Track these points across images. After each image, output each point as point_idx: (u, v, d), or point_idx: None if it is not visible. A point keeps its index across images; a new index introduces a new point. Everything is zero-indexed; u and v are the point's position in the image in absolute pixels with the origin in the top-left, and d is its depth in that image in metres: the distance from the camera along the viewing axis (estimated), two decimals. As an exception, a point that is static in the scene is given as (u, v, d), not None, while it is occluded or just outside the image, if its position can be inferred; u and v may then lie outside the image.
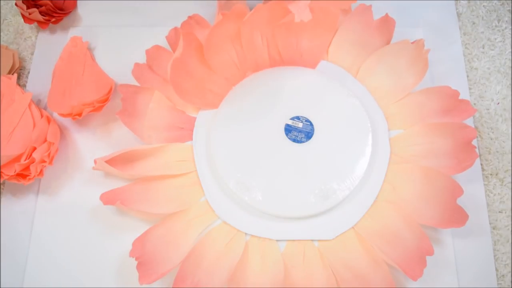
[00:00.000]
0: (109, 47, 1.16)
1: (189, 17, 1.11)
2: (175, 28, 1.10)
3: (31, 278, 0.96)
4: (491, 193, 1.01)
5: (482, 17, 1.18)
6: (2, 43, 1.18)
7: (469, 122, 1.06)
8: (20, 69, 1.15)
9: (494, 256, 0.96)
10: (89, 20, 1.19)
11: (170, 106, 1.06)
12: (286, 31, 1.07)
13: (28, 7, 1.13)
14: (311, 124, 1.02)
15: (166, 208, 0.97)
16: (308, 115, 1.03)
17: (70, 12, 1.19)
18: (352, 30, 1.10)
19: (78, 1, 1.21)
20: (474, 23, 1.18)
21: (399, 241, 0.92)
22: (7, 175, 0.97)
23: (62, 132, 1.07)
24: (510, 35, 1.16)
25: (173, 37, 1.10)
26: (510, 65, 1.13)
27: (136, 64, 1.08)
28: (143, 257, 0.90)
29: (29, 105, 1.04)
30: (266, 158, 1.00)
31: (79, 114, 1.02)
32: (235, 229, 0.96)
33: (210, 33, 1.03)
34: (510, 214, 0.99)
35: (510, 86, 1.11)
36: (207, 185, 1.00)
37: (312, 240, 0.95)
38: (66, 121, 1.09)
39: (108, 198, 0.95)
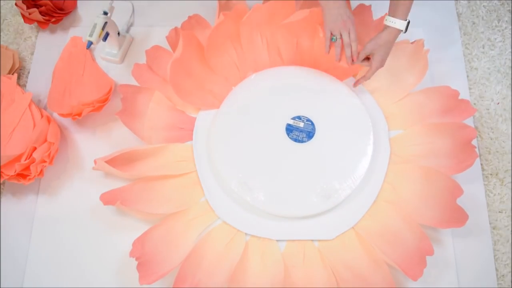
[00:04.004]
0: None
1: (190, 17, 1.11)
2: (175, 28, 1.10)
3: (31, 278, 0.96)
4: (491, 193, 1.01)
5: (482, 17, 1.18)
6: (2, 43, 1.18)
7: (469, 122, 1.06)
8: (20, 69, 1.15)
9: (494, 256, 0.96)
10: (89, 20, 1.19)
11: (170, 106, 1.06)
12: (287, 31, 1.07)
13: (28, 7, 1.13)
14: (313, 124, 1.02)
15: (166, 208, 0.97)
16: (309, 114, 1.03)
17: (70, 12, 1.19)
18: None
19: (78, 1, 1.22)
20: (474, 23, 1.18)
21: (399, 241, 0.93)
22: (7, 175, 0.97)
23: (62, 132, 1.07)
24: (510, 35, 1.16)
25: (173, 37, 1.10)
26: (510, 65, 1.13)
27: (136, 64, 1.08)
28: (143, 257, 0.90)
29: (29, 105, 1.04)
30: (267, 158, 1.00)
31: (79, 114, 1.02)
32: (235, 229, 0.96)
33: (211, 34, 1.03)
34: (510, 214, 0.99)
35: (510, 86, 1.11)
36: (207, 185, 1.00)
37: (312, 240, 0.96)
38: (66, 121, 1.09)
39: (108, 198, 0.95)
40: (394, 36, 0.93)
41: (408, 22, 0.92)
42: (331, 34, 0.95)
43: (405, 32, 0.92)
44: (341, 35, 0.95)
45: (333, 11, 0.93)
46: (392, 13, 0.92)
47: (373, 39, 0.94)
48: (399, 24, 0.91)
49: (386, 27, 0.93)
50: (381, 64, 0.96)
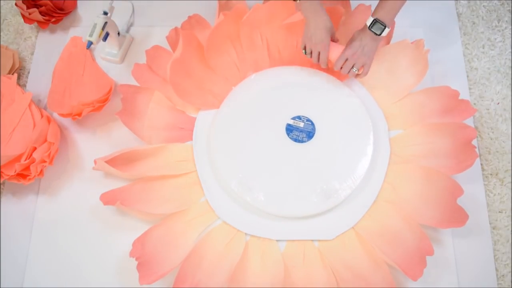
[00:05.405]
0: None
1: (189, 17, 1.11)
2: (175, 28, 1.10)
3: (31, 278, 0.96)
4: (491, 193, 1.01)
5: (482, 17, 1.18)
6: (2, 43, 1.18)
7: (469, 122, 1.06)
8: (20, 69, 1.15)
9: (494, 256, 0.96)
10: (89, 20, 1.19)
11: (170, 106, 1.06)
12: (287, 31, 1.07)
13: (28, 7, 1.13)
14: (313, 124, 1.02)
15: (166, 208, 0.97)
16: (309, 114, 1.03)
17: (70, 12, 1.19)
18: (352, 30, 1.10)
19: (78, 1, 1.22)
20: (474, 23, 1.18)
21: (399, 242, 0.92)
22: (7, 175, 0.97)
23: (62, 132, 1.07)
24: (510, 35, 1.16)
25: (173, 37, 1.10)
26: (510, 65, 1.13)
27: (136, 64, 1.08)
28: (143, 257, 0.90)
29: (29, 105, 1.04)
30: (267, 158, 1.00)
31: (79, 114, 1.02)
32: (235, 229, 0.96)
33: (211, 34, 1.03)
34: (510, 214, 0.99)
35: (510, 86, 1.11)
36: (207, 185, 1.00)
37: (312, 240, 0.95)
38: (66, 121, 1.09)
39: (108, 199, 0.95)
40: (363, 31, 0.95)
41: (376, 22, 0.92)
42: (305, 47, 0.99)
43: (378, 34, 0.93)
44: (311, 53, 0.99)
45: (310, 30, 0.96)
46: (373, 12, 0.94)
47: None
48: (368, 20, 0.94)
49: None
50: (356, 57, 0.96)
